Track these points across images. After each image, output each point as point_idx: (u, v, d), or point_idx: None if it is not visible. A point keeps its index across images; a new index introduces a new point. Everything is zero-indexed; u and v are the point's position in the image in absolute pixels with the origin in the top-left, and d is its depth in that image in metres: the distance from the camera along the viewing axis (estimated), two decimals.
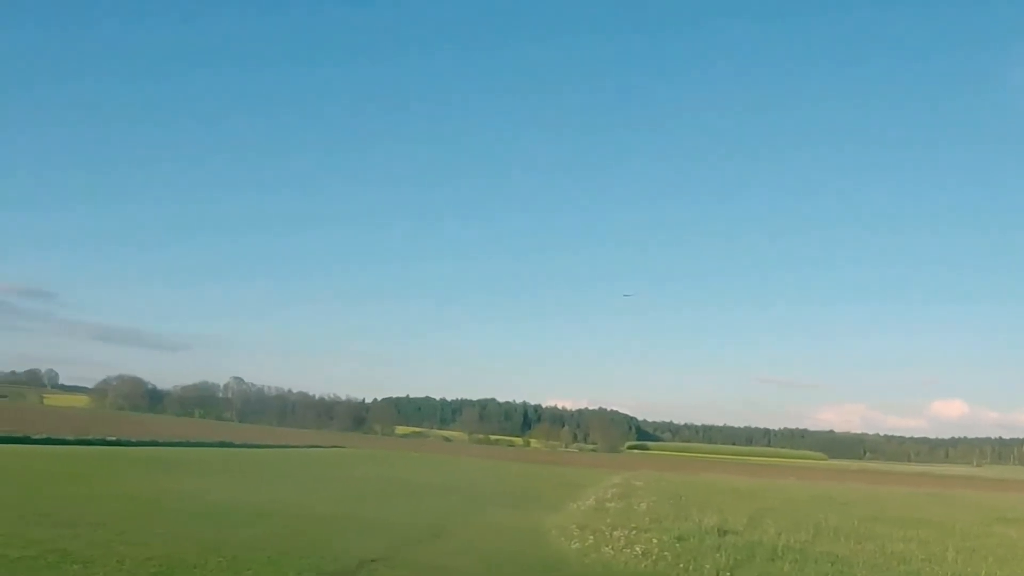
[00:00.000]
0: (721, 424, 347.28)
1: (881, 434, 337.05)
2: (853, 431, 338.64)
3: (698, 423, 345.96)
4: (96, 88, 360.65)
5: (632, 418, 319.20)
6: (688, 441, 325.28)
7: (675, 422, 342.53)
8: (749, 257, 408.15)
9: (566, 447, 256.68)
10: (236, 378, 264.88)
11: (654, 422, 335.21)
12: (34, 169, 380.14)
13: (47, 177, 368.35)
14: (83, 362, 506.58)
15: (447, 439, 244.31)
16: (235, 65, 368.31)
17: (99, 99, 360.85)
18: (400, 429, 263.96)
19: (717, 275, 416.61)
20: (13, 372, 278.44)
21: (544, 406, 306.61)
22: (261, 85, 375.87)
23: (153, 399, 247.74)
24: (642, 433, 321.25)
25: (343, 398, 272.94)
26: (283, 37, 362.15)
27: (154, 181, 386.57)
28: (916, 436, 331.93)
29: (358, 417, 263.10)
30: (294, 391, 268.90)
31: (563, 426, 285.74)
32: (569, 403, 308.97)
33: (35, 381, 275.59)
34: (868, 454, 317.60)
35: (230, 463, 56.26)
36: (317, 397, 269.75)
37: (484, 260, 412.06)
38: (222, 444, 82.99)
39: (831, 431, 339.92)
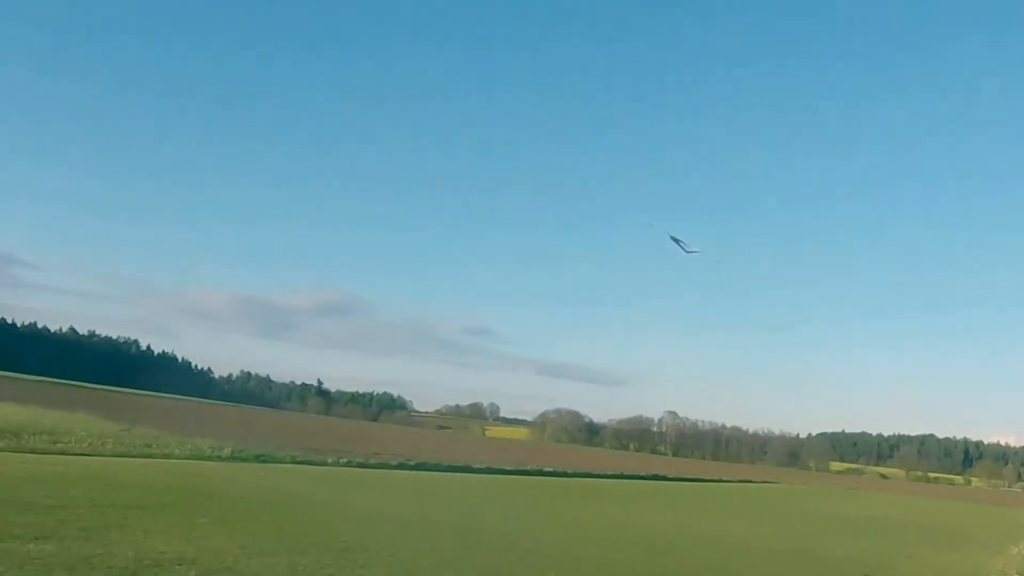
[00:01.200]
0: None
1: None
2: None
3: None
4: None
5: None
6: None
7: None
8: None
9: (1009, 486, 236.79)
10: (670, 412, 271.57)
11: None
12: (478, 225, 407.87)
13: (488, 233, 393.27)
14: (523, 396, 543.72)
15: (883, 476, 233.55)
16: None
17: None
18: (835, 465, 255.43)
19: None
20: (458, 405, 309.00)
21: (986, 442, 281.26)
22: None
23: (590, 432, 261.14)
24: None
25: (776, 432, 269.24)
26: None
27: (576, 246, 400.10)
28: None
29: (792, 452, 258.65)
30: (728, 426, 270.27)
31: (1006, 464, 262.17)
32: (1012, 439, 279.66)
33: (478, 414, 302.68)
34: None
35: (662, 496, 56.92)
36: (751, 432, 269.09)
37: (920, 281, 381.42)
38: (655, 477, 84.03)
39: None
